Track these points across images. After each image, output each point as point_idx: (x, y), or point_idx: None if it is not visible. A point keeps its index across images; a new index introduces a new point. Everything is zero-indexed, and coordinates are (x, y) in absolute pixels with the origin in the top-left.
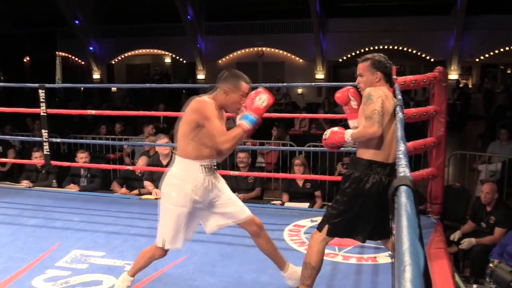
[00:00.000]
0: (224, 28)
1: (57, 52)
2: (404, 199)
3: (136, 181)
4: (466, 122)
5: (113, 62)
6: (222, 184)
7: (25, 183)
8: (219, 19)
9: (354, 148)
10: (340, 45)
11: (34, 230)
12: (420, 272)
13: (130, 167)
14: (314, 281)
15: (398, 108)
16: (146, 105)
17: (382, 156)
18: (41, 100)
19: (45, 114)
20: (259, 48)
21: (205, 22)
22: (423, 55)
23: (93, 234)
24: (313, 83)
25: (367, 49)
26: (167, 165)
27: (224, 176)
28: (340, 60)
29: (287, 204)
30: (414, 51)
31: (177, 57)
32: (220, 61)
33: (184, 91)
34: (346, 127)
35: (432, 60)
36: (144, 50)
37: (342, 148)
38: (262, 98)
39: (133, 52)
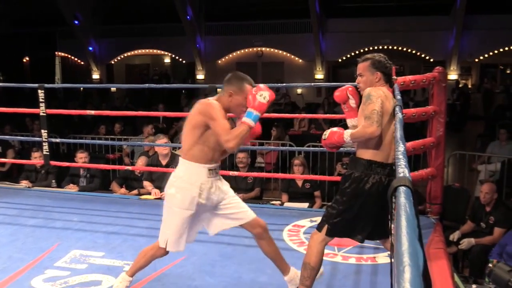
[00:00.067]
0: (223, 28)
1: (56, 52)
2: (403, 199)
3: (135, 181)
4: (466, 122)
5: (112, 62)
6: (226, 187)
7: (24, 183)
8: (218, 19)
9: (353, 148)
10: (340, 45)
11: (34, 230)
12: (419, 273)
13: (130, 167)
14: (313, 281)
15: (397, 109)
16: (146, 105)
17: (382, 156)
18: (41, 100)
19: (44, 114)
20: (259, 48)
21: (205, 22)
22: (423, 55)
23: (92, 234)
24: (312, 83)
25: (366, 49)
26: (166, 165)
27: (223, 176)
28: (340, 60)
29: (287, 204)
30: (414, 51)
31: (177, 57)
32: (219, 61)
33: (183, 91)
34: (346, 127)
35: (431, 60)
36: (143, 50)
37: (341, 148)
38: (263, 94)
39: (132, 52)
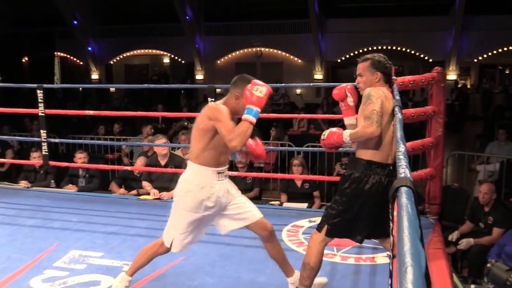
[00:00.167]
0: (222, 28)
1: (55, 52)
2: (405, 200)
3: (134, 181)
4: (465, 123)
5: (111, 63)
6: (234, 189)
7: (23, 184)
8: (217, 19)
9: (351, 149)
10: (339, 45)
11: (32, 231)
12: (421, 273)
13: (129, 168)
14: (313, 282)
15: (397, 109)
16: (145, 106)
17: (382, 157)
18: (40, 100)
19: (43, 114)
20: (258, 49)
21: (204, 22)
22: (422, 56)
23: (91, 235)
24: (311, 84)
25: (365, 49)
26: (165, 166)
27: None
28: (339, 60)
29: (286, 205)
30: (413, 52)
31: (176, 57)
32: (218, 62)
33: (182, 91)
34: (345, 127)
35: (430, 60)
36: (142, 50)
37: (340, 149)
38: (259, 88)
39: (131, 53)
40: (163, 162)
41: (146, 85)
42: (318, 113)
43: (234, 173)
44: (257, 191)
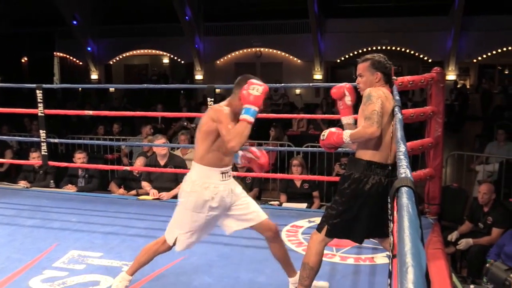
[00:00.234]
0: (222, 28)
1: (55, 53)
2: (405, 200)
3: (134, 181)
4: (464, 123)
5: (111, 63)
6: (239, 189)
7: (22, 184)
8: (217, 19)
9: (350, 149)
10: (338, 45)
11: (32, 231)
12: (422, 273)
13: (128, 168)
14: (312, 282)
15: (397, 109)
16: (144, 106)
17: (381, 157)
18: (39, 100)
19: (42, 114)
20: (257, 49)
21: (203, 22)
22: (421, 56)
23: (90, 235)
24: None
25: (365, 49)
26: (164, 166)
27: None
28: (338, 60)
29: (285, 205)
30: (412, 52)
31: (175, 58)
32: (218, 62)
33: (182, 91)
34: (344, 127)
35: (429, 60)
36: (142, 51)
37: (339, 149)
38: (256, 87)
39: (131, 53)
40: (162, 162)
41: (145, 85)
42: (317, 113)
43: (234, 173)
44: (256, 191)
